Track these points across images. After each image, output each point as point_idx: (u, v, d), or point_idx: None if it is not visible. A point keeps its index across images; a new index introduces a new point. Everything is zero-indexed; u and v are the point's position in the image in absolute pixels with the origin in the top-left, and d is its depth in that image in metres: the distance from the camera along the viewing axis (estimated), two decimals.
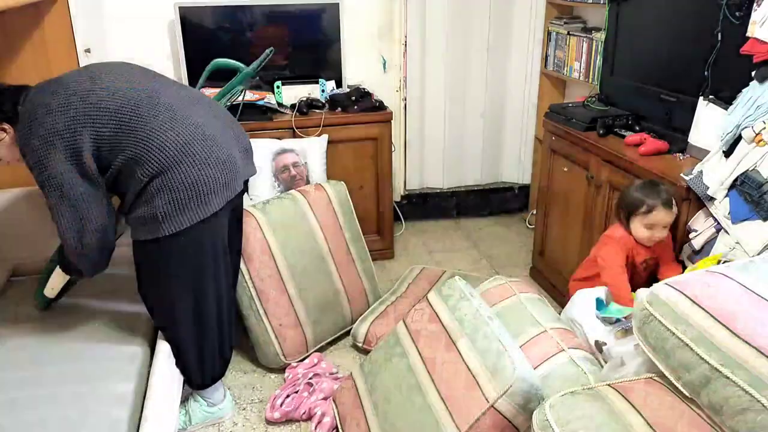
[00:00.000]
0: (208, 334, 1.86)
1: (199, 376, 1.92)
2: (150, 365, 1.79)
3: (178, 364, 1.85)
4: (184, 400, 2.01)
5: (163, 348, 1.83)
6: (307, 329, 2.33)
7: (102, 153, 1.60)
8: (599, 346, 1.70)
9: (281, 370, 2.29)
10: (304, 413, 2.04)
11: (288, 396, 2.09)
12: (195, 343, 1.85)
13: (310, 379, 2.16)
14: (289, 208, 2.37)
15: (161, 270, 1.74)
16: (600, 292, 1.92)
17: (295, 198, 2.42)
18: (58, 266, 1.90)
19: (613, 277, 1.99)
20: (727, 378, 1.17)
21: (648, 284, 1.80)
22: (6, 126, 1.67)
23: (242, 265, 2.19)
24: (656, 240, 1.97)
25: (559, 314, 2.00)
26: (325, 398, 2.08)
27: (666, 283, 1.37)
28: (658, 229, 1.95)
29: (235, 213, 1.94)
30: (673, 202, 1.93)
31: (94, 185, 1.62)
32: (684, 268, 1.98)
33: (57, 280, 1.93)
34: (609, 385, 1.38)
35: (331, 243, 2.44)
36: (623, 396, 1.31)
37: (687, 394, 1.28)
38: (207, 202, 1.65)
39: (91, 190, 1.61)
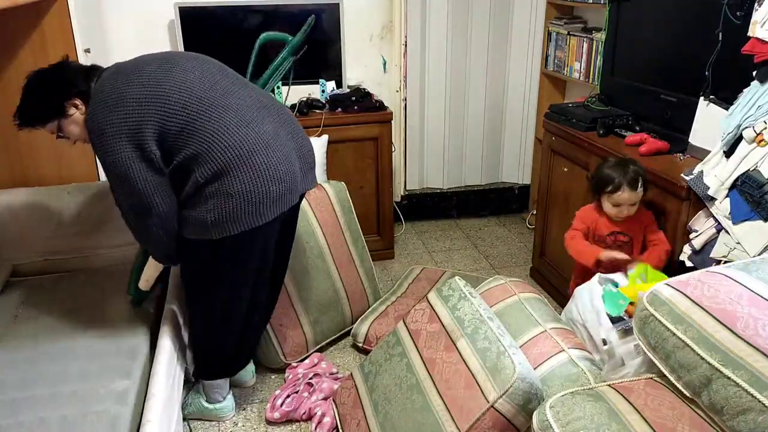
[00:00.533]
0: (228, 336, 1.87)
1: (202, 368, 1.95)
2: (151, 364, 1.79)
3: (190, 346, 1.90)
4: (191, 389, 2.06)
5: (165, 346, 1.83)
6: (307, 329, 2.33)
7: (166, 146, 1.57)
8: (606, 344, 1.70)
9: (281, 370, 2.29)
10: (304, 413, 2.04)
11: (288, 396, 2.09)
12: (212, 339, 1.88)
13: (310, 379, 2.16)
14: None
15: (201, 269, 1.75)
16: (596, 284, 1.91)
17: None
18: (150, 258, 1.88)
19: (568, 239, 2.16)
20: (728, 378, 1.16)
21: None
22: (78, 102, 1.65)
23: None
24: (624, 216, 2.05)
25: (560, 314, 2.00)
26: (325, 398, 2.08)
27: (666, 284, 1.37)
28: (625, 207, 2.02)
29: (287, 223, 1.91)
30: (640, 181, 1.98)
31: (160, 174, 1.59)
32: (681, 264, 1.98)
33: (150, 271, 1.92)
34: (609, 385, 1.38)
35: (332, 243, 2.44)
36: (623, 396, 1.31)
37: (688, 395, 1.28)
38: (259, 213, 1.61)
39: (156, 178, 1.58)
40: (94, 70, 1.69)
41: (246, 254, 1.71)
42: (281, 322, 2.25)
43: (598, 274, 1.95)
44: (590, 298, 1.85)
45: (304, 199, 2.42)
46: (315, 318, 2.36)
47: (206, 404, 2.03)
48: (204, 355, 1.91)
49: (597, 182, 2.08)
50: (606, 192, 2.03)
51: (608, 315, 1.79)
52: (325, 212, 2.46)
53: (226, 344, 1.89)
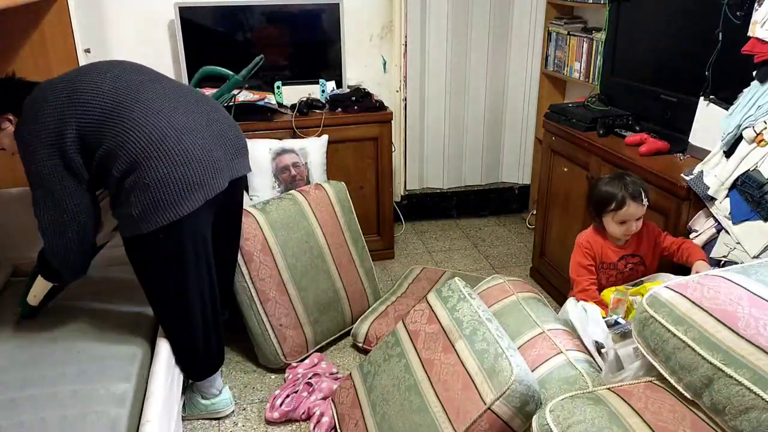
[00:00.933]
0: (194, 331, 1.87)
1: (188, 368, 1.95)
2: (150, 365, 1.79)
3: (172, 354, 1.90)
4: (187, 389, 2.05)
5: (163, 348, 1.83)
6: (307, 329, 2.33)
7: (85, 145, 1.62)
8: (598, 347, 1.70)
9: (281, 370, 2.29)
10: (303, 413, 2.04)
11: (288, 396, 2.09)
12: (181, 338, 1.87)
13: (310, 379, 2.16)
14: (289, 209, 2.37)
15: (145, 266, 1.77)
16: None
17: (295, 198, 2.42)
18: (38, 277, 1.87)
19: (579, 285, 1.99)
20: (730, 377, 1.16)
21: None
22: (11, 117, 1.73)
23: (242, 265, 2.19)
24: (631, 233, 1.93)
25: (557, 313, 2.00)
26: (324, 398, 2.08)
27: (665, 286, 1.37)
28: (632, 224, 1.90)
29: (226, 210, 1.93)
30: (642, 193, 1.88)
31: (78, 180, 1.64)
32: (682, 267, 1.97)
33: (40, 287, 1.89)
34: (609, 388, 1.38)
35: (331, 243, 2.44)
36: (624, 400, 1.31)
37: (688, 397, 1.28)
38: (180, 201, 1.63)
39: (74, 185, 1.63)
40: (33, 85, 1.74)
41: (180, 245, 1.71)
42: (281, 322, 2.25)
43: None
44: (575, 310, 1.85)
45: (301, 198, 2.43)
46: (315, 318, 2.36)
47: (203, 402, 2.03)
48: (182, 355, 1.90)
49: (597, 203, 1.95)
50: (609, 211, 1.90)
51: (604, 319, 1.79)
52: (324, 212, 2.46)
53: (196, 339, 1.88)
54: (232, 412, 2.09)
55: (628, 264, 2.00)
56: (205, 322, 1.88)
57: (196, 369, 1.96)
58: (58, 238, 1.68)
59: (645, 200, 1.89)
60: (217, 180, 1.71)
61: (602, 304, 1.89)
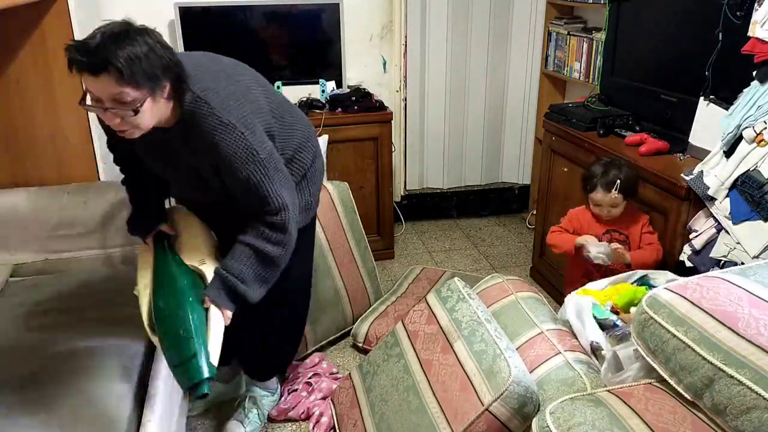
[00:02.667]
0: (303, 316, 2.07)
1: (277, 366, 2.06)
2: (151, 364, 1.79)
3: (268, 359, 1.99)
4: (244, 400, 2.02)
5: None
6: (307, 328, 2.33)
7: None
8: (594, 348, 1.70)
9: None
10: (302, 413, 2.04)
11: (288, 394, 2.09)
12: (293, 329, 2.02)
13: (310, 378, 2.16)
14: None
15: (300, 262, 1.82)
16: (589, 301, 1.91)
17: None
18: (216, 314, 1.40)
19: (549, 234, 2.23)
20: (732, 377, 1.16)
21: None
22: (170, 90, 1.39)
23: None
24: (609, 216, 2.08)
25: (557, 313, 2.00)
26: (324, 398, 2.08)
27: (665, 287, 1.37)
28: (605, 208, 2.06)
29: None
30: (616, 185, 2.00)
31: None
32: (681, 264, 1.97)
33: (220, 331, 1.39)
34: (609, 390, 1.38)
35: (333, 243, 2.44)
36: (624, 401, 1.31)
37: (689, 398, 1.28)
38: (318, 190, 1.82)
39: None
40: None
41: (313, 236, 1.92)
42: None
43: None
44: (575, 311, 1.86)
45: None
46: (315, 317, 2.36)
47: (273, 397, 2.06)
48: (282, 352, 2.02)
49: (583, 178, 2.14)
50: (586, 190, 2.10)
51: (600, 321, 1.79)
52: (327, 212, 2.45)
53: (304, 323, 2.08)
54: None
55: (612, 239, 2.12)
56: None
57: (283, 361, 2.08)
58: (292, 225, 1.53)
59: (616, 192, 2.00)
60: None
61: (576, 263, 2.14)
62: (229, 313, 1.45)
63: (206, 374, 1.29)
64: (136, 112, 1.30)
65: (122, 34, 1.33)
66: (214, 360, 1.32)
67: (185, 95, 1.41)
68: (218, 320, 1.39)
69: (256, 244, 1.49)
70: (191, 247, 1.60)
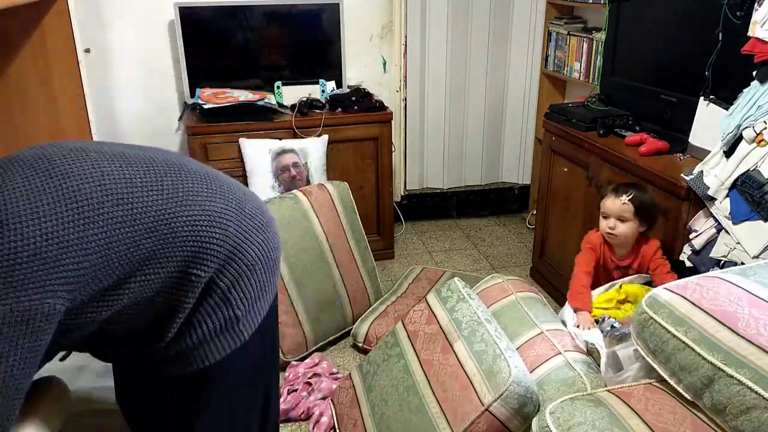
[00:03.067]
0: None
1: None
2: None
3: None
4: None
5: None
6: (307, 328, 2.33)
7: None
8: (590, 349, 1.70)
9: (281, 368, 2.29)
10: (302, 413, 2.04)
11: (288, 394, 2.09)
12: None
13: (310, 378, 2.16)
14: (290, 208, 2.37)
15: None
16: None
17: (297, 198, 2.42)
18: None
19: (574, 280, 2.02)
20: (731, 377, 1.16)
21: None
22: None
23: None
24: (616, 234, 1.98)
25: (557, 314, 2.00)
26: (324, 398, 2.08)
27: (665, 288, 1.37)
28: (612, 219, 1.98)
29: None
30: (626, 194, 1.95)
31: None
32: (681, 264, 1.97)
33: None
34: (609, 390, 1.38)
35: (333, 243, 2.44)
36: (624, 401, 1.31)
37: (688, 398, 1.28)
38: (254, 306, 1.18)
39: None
40: None
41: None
42: (281, 320, 2.25)
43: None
44: (572, 314, 1.86)
45: (303, 198, 2.42)
46: (315, 317, 2.36)
47: None
48: None
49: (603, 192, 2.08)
50: (601, 200, 2.05)
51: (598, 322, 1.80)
52: (326, 212, 2.45)
53: None
54: None
55: (622, 275, 2.06)
56: None
57: None
58: None
59: (625, 199, 1.95)
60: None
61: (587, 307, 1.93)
62: None
63: None
64: None
65: None
66: None
67: None
68: None
69: None
70: None
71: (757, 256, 1.72)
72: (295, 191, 2.47)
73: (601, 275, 2.08)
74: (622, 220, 1.97)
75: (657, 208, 1.99)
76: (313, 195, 2.46)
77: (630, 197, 1.95)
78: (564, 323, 1.85)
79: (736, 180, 1.80)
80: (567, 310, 1.93)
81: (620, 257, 2.05)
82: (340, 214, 2.51)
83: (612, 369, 1.55)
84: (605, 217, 2.02)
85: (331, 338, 2.46)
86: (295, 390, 2.11)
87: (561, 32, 3.13)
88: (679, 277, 1.43)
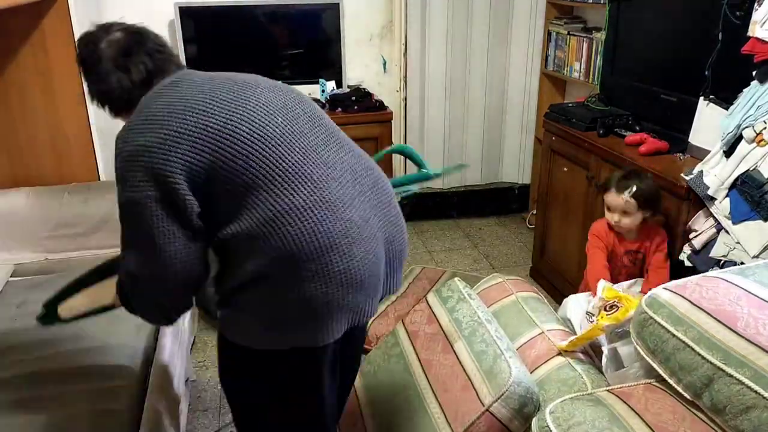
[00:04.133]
0: None
1: None
2: (151, 363, 1.79)
3: None
4: None
5: (165, 345, 1.83)
6: None
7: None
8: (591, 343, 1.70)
9: None
10: None
11: None
12: None
13: None
14: None
15: (249, 389, 1.34)
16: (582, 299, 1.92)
17: None
18: (95, 287, 1.42)
19: (592, 275, 2.04)
20: (731, 376, 1.16)
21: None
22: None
23: None
24: (621, 226, 2.01)
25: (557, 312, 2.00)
26: None
27: (664, 288, 1.37)
28: (616, 214, 2.00)
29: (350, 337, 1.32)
30: (631, 189, 1.94)
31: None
32: (680, 264, 1.97)
33: (84, 301, 1.42)
34: (609, 390, 1.38)
35: None
36: (623, 401, 1.31)
37: (688, 398, 1.28)
38: (324, 321, 1.19)
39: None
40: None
41: (319, 372, 1.27)
42: None
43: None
44: (576, 308, 1.86)
45: None
46: None
47: None
48: None
49: (603, 182, 2.11)
50: (601, 191, 2.08)
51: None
52: None
53: None
54: None
55: (635, 260, 2.08)
56: None
57: None
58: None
59: (628, 196, 1.95)
60: (369, 306, 1.22)
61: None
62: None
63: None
64: None
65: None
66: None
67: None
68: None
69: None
70: None
71: (756, 256, 1.72)
72: None
73: (612, 261, 2.10)
74: (625, 213, 1.99)
75: (659, 193, 2.01)
76: None
77: (632, 193, 1.95)
78: (569, 321, 1.85)
79: (736, 180, 1.80)
80: (569, 306, 1.93)
81: (630, 241, 2.08)
82: None
83: (613, 366, 1.55)
84: (608, 210, 2.03)
85: None
86: None
87: (561, 32, 3.13)
88: (679, 277, 1.43)
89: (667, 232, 2.04)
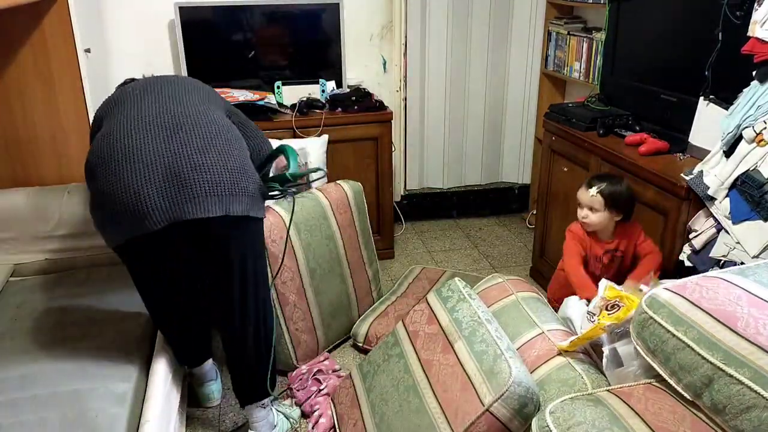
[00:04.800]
0: (165, 332, 1.92)
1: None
2: (150, 365, 1.79)
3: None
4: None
5: (163, 348, 1.83)
6: (320, 333, 2.32)
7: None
8: (592, 343, 1.70)
9: (290, 369, 2.28)
10: (308, 409, 2.06)
11: (297, 390, 2.11)
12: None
13: (315, 375, 2.17)
14: (313, 210, 2.31)
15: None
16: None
17: (318, 199, 2.36)
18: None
19: (570, 268, 2.10)
20: (731, 376, 1.16)
21: (616, 279, 1.88)
22: None
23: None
24: (587, 222, 2.06)
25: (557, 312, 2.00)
26: (326, 395, 2.08)
27: (665, 288, 1.37)
28: (584, 209, 2.07)
29: (206, 248, 1.67)
30: (596, 186, 2.02)
31: None
32: (680, 264, 1.97)
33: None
34: (609, 390, 1.38)
35: (347, 245, 2.42)
36: (623, 401, 1.31)
37: (688, 398, 1.28)
38: (104, 230, 1.62)
39: None
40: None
41: (131, 265, 1.74)
42: (297, 326, 2.24)
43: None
44: (576, 307, 1.86)
45: (323, 199, 2.35)
46: (328, 323, 2.36)
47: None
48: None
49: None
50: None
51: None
52: (344, 215, 2.41)
53: (169, 338, 1.92)
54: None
55: (613, 258, 2.13)
56: (173, 330, 1.90)
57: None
58: None
59: (594, 192, 2.02)
60: (143, 221, 1.51)
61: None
62: None
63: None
64: None
65: None
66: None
67: None
68: None
69: None
70: None
71: (756, 256, 1.72)
72: (314, 190, 2.43)
73: (592, 263, 2.14)
74: (593, 209, 2.05)
75: (632, 199, 2.06)
76: (331, 195, 2.40)
77: (599, 190, 2.02)
78: (569, 320, 1.85)
79: (736, 180, 1.80)
80: (569, 306, 1.93)
81: (606, 241, 2.12)
82: (354, 215, 2.46)
83: (613, 365, 1.55)
84: (579, 206, 2.10)
85: (338, 341, 2.46)
86: (304, 387, 2.12)
87: (561, 32, 3.13)
88: (679, 277, 1.43)
89: (667, 232, 2.04)
